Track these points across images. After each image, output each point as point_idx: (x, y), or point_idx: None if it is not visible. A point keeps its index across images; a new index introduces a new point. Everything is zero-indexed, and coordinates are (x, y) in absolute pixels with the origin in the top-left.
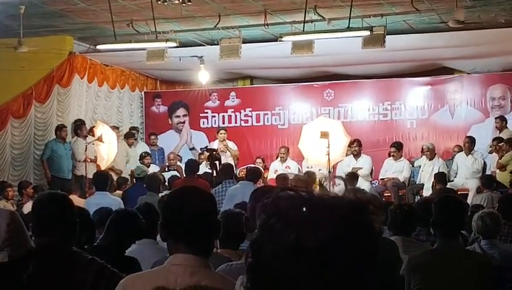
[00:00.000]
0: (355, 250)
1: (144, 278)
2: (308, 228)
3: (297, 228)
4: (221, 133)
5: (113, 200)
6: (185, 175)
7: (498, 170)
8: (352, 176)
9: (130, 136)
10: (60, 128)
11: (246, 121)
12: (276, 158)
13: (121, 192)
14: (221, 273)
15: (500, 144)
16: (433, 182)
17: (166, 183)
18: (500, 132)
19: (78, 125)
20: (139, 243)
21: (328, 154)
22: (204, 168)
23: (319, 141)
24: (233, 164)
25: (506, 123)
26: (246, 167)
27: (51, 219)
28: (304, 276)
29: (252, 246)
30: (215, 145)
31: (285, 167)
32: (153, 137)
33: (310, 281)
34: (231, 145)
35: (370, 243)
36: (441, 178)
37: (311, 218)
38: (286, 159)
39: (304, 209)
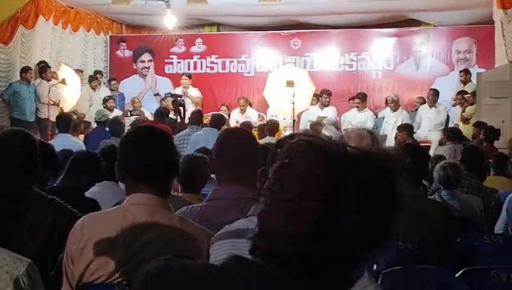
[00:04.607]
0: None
1: (101, 218)
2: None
3: (303, 184)
4: (183, 79)
5: (74, 143)
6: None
7: (461, 123)
8: (316, 125)
9: (93, 80)
10: (25, 70)
11: (212, 68)
12: (236, 108)
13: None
14: (181, 215)
15: (464, 97)
16: (396, 133)
17: (129, 127)
18: (464, 85)
19: (43, 67)
20: (99, 185)
21: (293, 103)
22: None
23: (285, 89)
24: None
25: (471, 76)
26: (210, 113)
27: (12, 155)
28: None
29: (263, 193)
30: (178, 91)
31: (246, 119)
32: (113, 82)
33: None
34: (194, 92)
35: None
36: (410, 131)
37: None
38: (245, 111)
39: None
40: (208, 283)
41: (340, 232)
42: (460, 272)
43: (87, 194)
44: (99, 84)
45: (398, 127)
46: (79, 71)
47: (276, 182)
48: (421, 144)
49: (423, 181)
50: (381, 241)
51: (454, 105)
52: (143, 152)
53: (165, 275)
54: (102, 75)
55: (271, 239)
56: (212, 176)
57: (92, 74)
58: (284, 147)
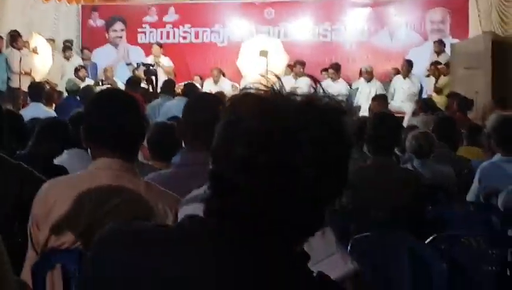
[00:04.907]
0: (320, 165)
1: (67, 182)
2: (263, 141)
3: (253, 140)
4: (154, 48)
5: (46, 112)
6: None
7: (435, 94)
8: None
9: (66, 49)
10: None
11: (185, 38)
12: (210, 78)
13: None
14: (149, 180)
15: (438, 67)
16: (370, 104)
17: None
18: (438, 56)
19: (14, 36)
20: (68, 152)
21: (267, 73)
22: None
23: (258, 59)
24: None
25: (445, 47)
26: (183, 83)
27: None
28: (259, 189)
29: (211, 153)
30: (149, 60)
31: (220, 89)
32: (86, 51)
33: (265, 194)
34: (166, 61)
35: (342, 161)
36: (384, 102)
37: (269, 129)
38: (218, 81)
39: (264, 117)
40: (157, 242)
41: (294, 188)
42: (430, 238)
43: (56, 161)
44: (71, 53)
45: (373, 97)
46: (51, 40)
47: (224, 140)
48: (395, 115)
49: (396, 151)
50: (335, 197)
51: (427, 76)
52: (108, 116)
53: (117, 237)
54: (71, 44)
55: (222, 199)
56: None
57: (64, 43)
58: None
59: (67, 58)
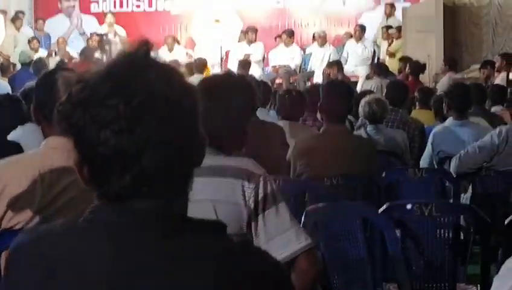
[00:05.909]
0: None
1: (18, 163)
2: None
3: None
4: (108, 18)
5: (1, 84)
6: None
7: (387, 58)
8: (245, 63)
9: (15, 20)
10: None
11: (138, 6)
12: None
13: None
14: None
15: (388, 32)
16: (324, 69)
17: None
18: (387, 19)
19: None
20: (22, 128)
21: (221, 40)
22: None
23: (212, 26)
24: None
25: (395, 10)
26: None
27: None
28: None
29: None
30: (103, 30)
31: (174, 57)
32: (40, 22)
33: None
34: (120, 30)
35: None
36: (339, 67)
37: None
38: (173, 49)
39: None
40: (64, 241)
41: (181, 120)
42: (383, 207)
43: (10, 137)
44: (22, 23)
45: (328, 63)
46: (2, 12)
47: (92, 122)
48: (350, 79)
49: (349, 117)
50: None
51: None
52: (57, 93)
53: (28, 248)
54: (24, 14)
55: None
56: None
57: (15, 13)
58: None
59: (17, 28)
